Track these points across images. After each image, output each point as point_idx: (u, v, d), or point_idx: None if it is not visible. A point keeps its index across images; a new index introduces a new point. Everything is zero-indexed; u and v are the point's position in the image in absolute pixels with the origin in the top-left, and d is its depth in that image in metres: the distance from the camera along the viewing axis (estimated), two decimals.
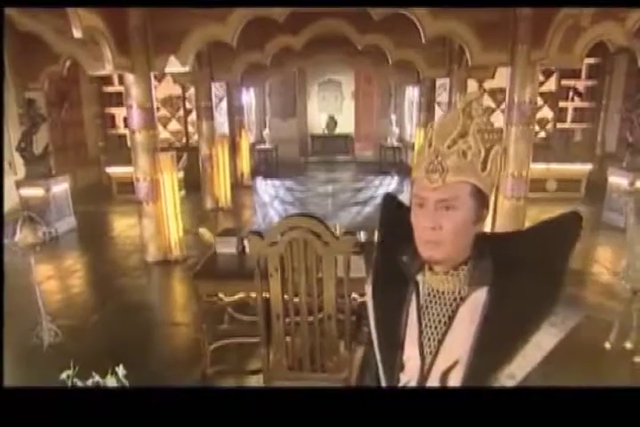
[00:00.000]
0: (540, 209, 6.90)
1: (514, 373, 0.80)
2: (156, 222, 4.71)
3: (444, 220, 0.82)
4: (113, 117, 9.18)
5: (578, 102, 8.81)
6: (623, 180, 5.82)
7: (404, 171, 10.05)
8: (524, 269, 0.83)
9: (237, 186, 8.77)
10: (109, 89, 8.90)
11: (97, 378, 0.81)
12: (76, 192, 6.62)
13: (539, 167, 7.50)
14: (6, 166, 6.35)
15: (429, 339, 0.90)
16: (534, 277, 0.83)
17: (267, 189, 9.30)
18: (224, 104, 9.26)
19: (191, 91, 8.54)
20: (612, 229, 5.78)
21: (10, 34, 6.09)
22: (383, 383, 0.96)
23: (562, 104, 8.83)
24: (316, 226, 1.64)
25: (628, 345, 3.02)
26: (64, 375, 0.82)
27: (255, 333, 2.19)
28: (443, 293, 0.89)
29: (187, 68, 4.35)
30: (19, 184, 5.92)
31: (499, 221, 4.78)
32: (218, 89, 8.56)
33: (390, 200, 1.01)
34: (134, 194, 4.84)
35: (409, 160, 10.28)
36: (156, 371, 2.79)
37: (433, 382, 0.88)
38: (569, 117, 8.89)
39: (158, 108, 8.04)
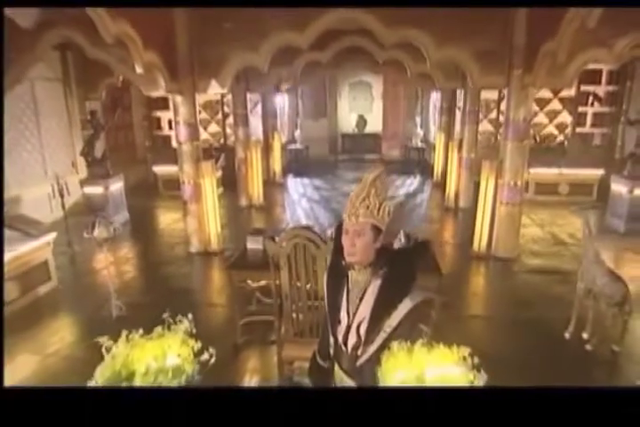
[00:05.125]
0: (551, 212, 7.35)
1: (390, 324, 1.51)
2: (198, 219, 5.55)
3: (356, 241, 1.52)
4: (158, 120, 10.11)
5: (597, 107, 8.96)
6: (624, 187, 6.16)
7: (427, 171, 10.55)
8: (399, 270, 1.54)
9: (269, 184, 9.55)
10: (155, 94, 9.79)
11: (181, 317, 1.52)
12: (127, 189, 7.52)
13: (551, 172, 7.93)
14: (70, 167, 7.38)
15: (352, 306, 1.61)
16: (403, 274, 1.54)
17: (296, 187, 10.05)
18: (259, 108, 10.06)
19: (229, 96, 9.35)
20: (613, 234, 6.09)
21: (75, 54, 7.07)
22: (329, 330, 1.67)
23: (581, 109, 9.00)
24: (312, 235, 2.38)
25: (585, 335, 3.59)
26: (165, 315, 1.52)
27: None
28: (359, 281, 1.59)
29: (225, 90, 5.11)
30: (82, 183, 6.90)
31: (497, 223, 5.32)
32: (253, 94, 9.32)
33: (341, 226, 1.69)
34: (178, 190, 5.68)
35: (432, 160, 10.77)
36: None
37: (353, 329, 1.60)
38: (588, 122, 9.07)
39: (199, 112, 8.90)
